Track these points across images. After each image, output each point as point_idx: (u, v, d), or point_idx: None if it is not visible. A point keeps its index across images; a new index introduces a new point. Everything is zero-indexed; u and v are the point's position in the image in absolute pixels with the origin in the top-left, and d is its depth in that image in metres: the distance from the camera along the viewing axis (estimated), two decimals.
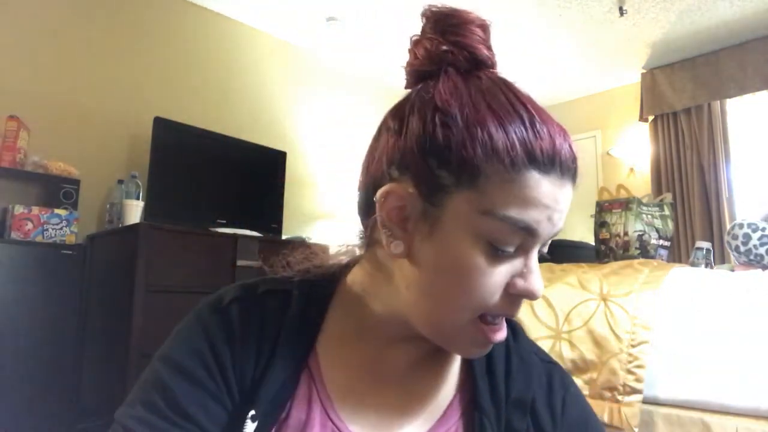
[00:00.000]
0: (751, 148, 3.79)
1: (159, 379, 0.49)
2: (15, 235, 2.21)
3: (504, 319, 0.50)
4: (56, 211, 2.33)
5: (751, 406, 1.24)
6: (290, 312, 0.53)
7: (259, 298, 0.54)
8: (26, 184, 2.45)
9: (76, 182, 2.48)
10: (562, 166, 0.46)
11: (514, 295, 0.47)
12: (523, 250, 0.47)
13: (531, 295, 0.47)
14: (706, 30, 3.59)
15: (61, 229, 2.32)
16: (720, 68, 3.79)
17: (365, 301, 0.54)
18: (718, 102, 3.86)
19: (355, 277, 0.56)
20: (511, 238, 0.45)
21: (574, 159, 0.48)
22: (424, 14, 0.55)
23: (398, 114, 0.50)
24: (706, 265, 2.04)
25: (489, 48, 0.53)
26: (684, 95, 3.94)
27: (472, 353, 0.52)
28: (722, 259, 3.58)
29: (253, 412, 0.49)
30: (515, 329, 0.62)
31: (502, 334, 0.49)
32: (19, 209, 2.24)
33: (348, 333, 0.55)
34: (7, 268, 2.15)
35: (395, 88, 4.39)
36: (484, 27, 0.53)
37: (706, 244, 2.10)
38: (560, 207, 0.47)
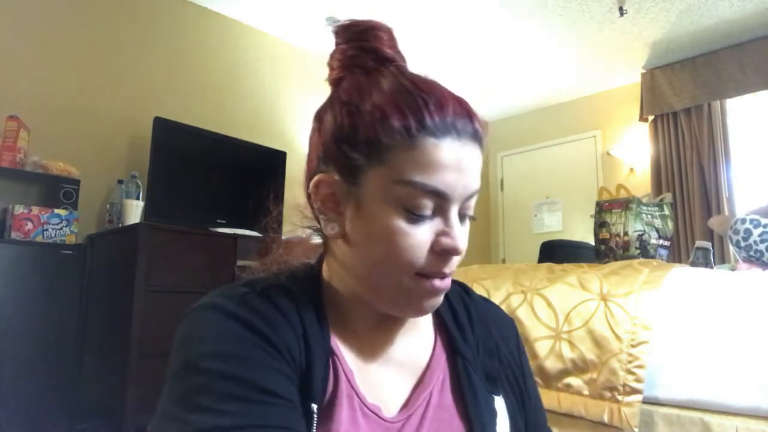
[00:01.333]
0: (751, 148, 3.79)
1: (210, 373, 0.45)
2: (15, 235, 2.21)
3: (445, 273, 0.54)
4: (56, 211, 2.33)
5: (751, 406, 1.24)
6: (300, 304, 0.55)
7: (263, 292, 0.54)
8: (26, 184, 2.45)
9: (76, 182, 2.48)
10: (456, 128, 0.52)
11: (440, 252, 0.52)
12: (441, 211, 0.52)
13: (453, 251, 0.52)
14: (706, 30, 3.59)
15: (61, 229, 2.32)
16: (720, 68, 3.79)
17: (338, 290, 0.59)
18: (718, 102, 3.86)
19: (325, 271, 0.61)
20: (422, 201, 0.51)
21: (470, 120, 0.53)
22: (334, 31, 0.62)
23: (318, 115, 0.59)
24: (706, 265, 2.04)
25: (393, 47, 0.59)
26: (684, 95, 3.94)
27: (425, 307, 0.56)
28: (722, 259, 3.58)
29: (315, 405, 0.50)
30: (465, 287, 0.70)
31: (445, 283, 0.55)
32: (19, 209, 2.24)
33: (342, 321, 0.59)
34: (7, 268, 2.15)
35: None
36: (387, 30, 0.60)
37: (706, 244, 2.10)
38: (465, 166, 0.52)
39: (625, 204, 2.12)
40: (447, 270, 0.54)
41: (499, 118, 5.26)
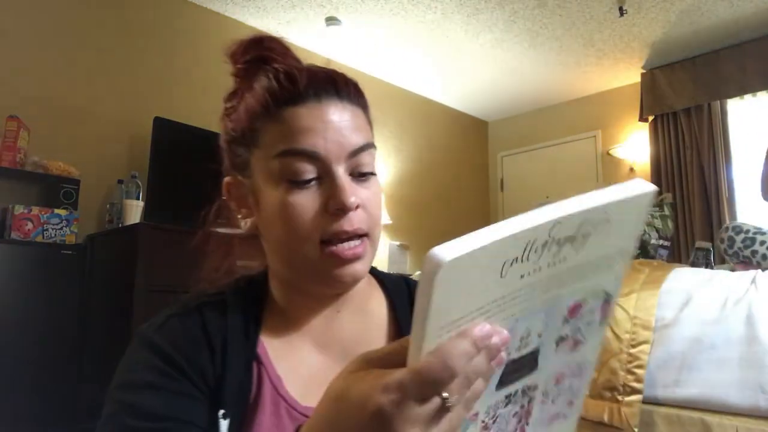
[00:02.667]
0: (751, 148, 3.79)
1: (121, 403, 0.51)
2: (15, 235, 2.21)
3: (355, 240, 0.54)
4: (56, 211, 2.33)
5: (751, 406, 1.24)
6: (230, 315, 0.57)
7: (196, 309, 0.57)
8: (26, 184, 2.45)
9: (76, 182, 2.48)
10: (315, 90, 0.54)
11: (333, 212, 0.53)
12: (325, 173, 0.54)
13: (341, 206, 0.52)
14: (706, 30, 3.59)
15: (61, 229, 2.32)
16: (720, 68, 3.78)
17: (275, 289, 0.61)
18: (718, 102, 3.86)
19: (270, 272, 0.63)
20: (298, 167, 0.53)
21: (330, 82, 0.55)
22: (229, 56, 0.64)
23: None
24: (706, 265, 2.04)
25: (276, 51, 0.60)
26: (684, 95, 3.94)
27: (342, 276, 0.55)
28: (722, 259, 3.58)
29: (222, 411, 0.52)
30: (408, 281, 0.70)
31: (356, 250, 0.54)
32: (19, 209, 2.24)
33: (283, 320, 0.60)
34: (7, 268, 2.15)
35: (395, 88, 4.40)
36: (271, 38, 0.62)
37: (706, 245, 2.10)
38: (332, 125, 0.54)
39: None
40: (348, 227, 0.53)
41: (499, 118, 5.26)
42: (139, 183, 2.69)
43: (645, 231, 2.07)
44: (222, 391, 0.53)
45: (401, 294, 0.67)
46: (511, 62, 4.05)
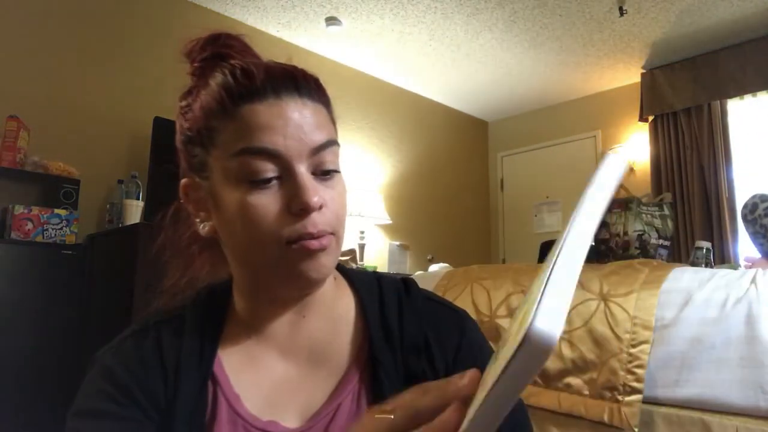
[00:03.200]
0: (751, 149, 3.78)
1: (71, 430, 0.51)
2: (15, 235, 2.21)
3: (319, 234, 0.52)
4: (56, 211, 2.33)
5: (751, 406, 1.24)
6: (186, 333, 0.56)
7: (152, 329, 0.57)
8: (26, 184, 2.45)
9: (76, 182, 2.48)
10: (272, 88, 0.52)
11: (296, 213, 0.51)
12: (286, 172, 0.52)
13: (304, 206, 0.50)
14: (706, 30, 3.59)
15: (61, 229, 2.32)
16: (720, 68, 3.79)
17: (238, 299, 0.59)
18: (718, 102, 3.86)
19: (233, 278, 0.61)
20: (257, 166, 0.51)
21: (289, 78, 0.53)
22: (186, 54, 0.63)
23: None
24: (706, 265, 2.04)
25: (234, 48, 0.59)
26: (684, 95, 3.94)
27: (307, 273, 0.52)
28: (722, 259, 3.58)
29: None
30: (408, 285, 0.65)
31: (321, 242, 0.52)
32: (19, 209, 2.24)
33: (245, 331, 0.58)
34: (7, 268, 2.15)
35: (395, 88, 4.40)
36: (217, 36, 0.60)
37: (706, 244, 2.10)
38: (293, 122, 0.52)
39: (625, 204, 2.12)
40: (312, 229, 0.51)
41: (499, 118, 5.26)
42: (139, 183, 2.69)
43: (645, 231, 2.07)
44: (174, 413, 0.52)
45: (372, 294, 0.62)
46: (511, 62, 4.05)
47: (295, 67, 0.55)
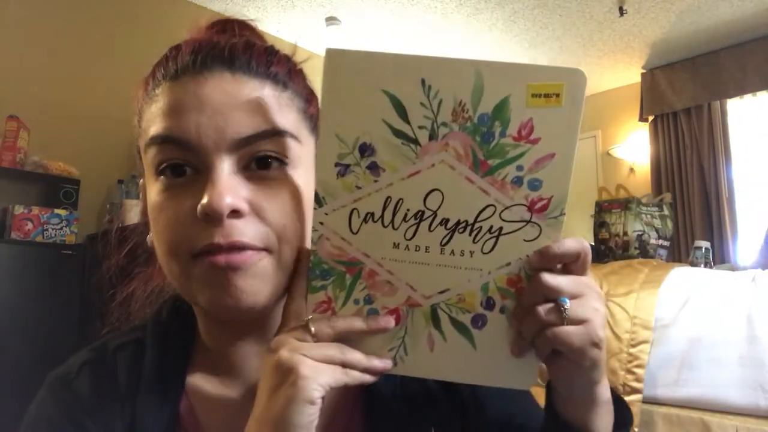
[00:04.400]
0: (751, 148, 3.79)
1: None
2: (15, 235, 2.21)
3: (216, 244, 0.41)
4: (56, 211, 2.33)
5: (751, 405, 1.24)
6: (145, 365, 0.48)
7: (110, 356, 0.49)
8: (26, 184, 2.45)
9: (76, 182, 2.48)
10: (196, 63, 0.42)
11: (202, 217, 0.40)
12: (203, 166, 0.42)
13: (208, 210, 0.39)
14: (706, 30, 3.59)
15: (61, 229, 2.32)
16: (720, 68, 3.78)
17: (198, 314, 0.50)
18: (718, 102, 3.86)
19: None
20: (165, 157, 0.42)
21: (218, 48, 0.43)
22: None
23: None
24: (706, 265, 2.04)
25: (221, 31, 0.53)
26: (684, 95, 3.94)
27: (221, 298, 0.42)
28: (722, 259, 3.58)
29: None
30: None
31: (229, 257, 0.41)
32: (19, 209, 2.24)
33: (212, 362, 0.50)
34: (7, 268, 2.15)
35: None
36: (221, 22, 0.54)
37: (705, 244, 2.10)
38: (212, 104, 0.41)
39: (625, 204, 2.12)
40: (220, 239, 0.40)
41: None
42: (139, 183, 2.69)
43: (644, 231, 2.07)
44: None
45: None
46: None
47: (245, 41, 0.46)
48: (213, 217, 0.40)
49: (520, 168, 0.39)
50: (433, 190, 0.39)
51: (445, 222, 0.40)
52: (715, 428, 1.27)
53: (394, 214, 0.40)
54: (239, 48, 0.44)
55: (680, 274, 1.53)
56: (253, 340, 0.49)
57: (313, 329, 0.39)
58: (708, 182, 3.81)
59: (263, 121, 0.42)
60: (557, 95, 0.37)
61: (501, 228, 0.40)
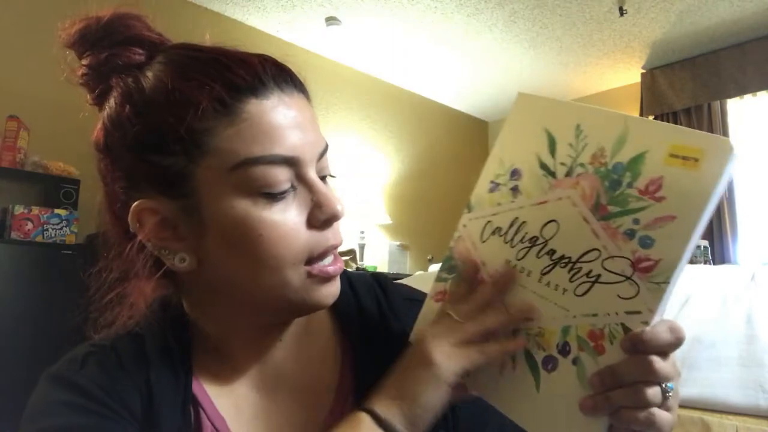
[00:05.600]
0: (751, 149, 3.78)
1: None
2: (15, 235, 2.21)
3: (334, 253, 0.48)
4: (56, 211, 2.33)
5: (751, 405, 1.24)
6: (150, 351, 0.49)
7: (110, 349, 0.50)
8: (26, 184, 2.45)
9: (76, 182, 2.48)
10: (275, 80, 0.44)
11: (320, 225, 0.45)
12: (300, 180, 0.45)
13: (334, 214, 0.45)
14: (706, 30, 3.59)
15: (61, 229, 2.32)
16: (720, 68, 3.78)
17: (208, 326, 0.51)
18: (718, 102, 3.86)
19: (187, 308, 0.52)
20: (275, 177, 0.42)
21: (284, 70, 0.46)
22: (69, 44, 0.53)
23: (99, 144, 0.51)
24: (705, 263, 2.04)
25: (151, 29, 0.50)
26: (684, 95, 3.94)
27: (325, 297, 0.47)
28: (722, 258, 3.58)
29: None
30: (383, 284, 0.59)
31: (337, 265, 0.48)
32: (19, 209, 2.24)
33: (218, 352, 0.52)
34: (7, 268, 2.15)
35: (395, 88, 4.40)
36: (135, 16, 0.50)
37: (702, 242, 2.11)
38: (303, 121, 0.45)
39: None
40: (335, 241, 0.47)
41: (499, 118, 5.25)
42: None
43: None
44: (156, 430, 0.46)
45: (348, 305, 0.56)
46: (511, 62, 4.05)
47: (278, 60, 0.48)
48: (334, 221, 0.46)
49: (636, 221, 0.38)
50: (551, 221, 0.42)
51: (551, 252, 0.42)
52: (715, 428, 1.27)
53: (515, 234, 0.44)
54: (290, 69, 0.47)
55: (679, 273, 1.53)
56: (273, 334, 0.52)
57: (454, 315, 0.44)
58: None
59: (322, 135, 0.49)
60: (696, 159, 0.36)
61: (599, 275, 0.40)
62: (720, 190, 0.36)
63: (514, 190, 0.45)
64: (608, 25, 3.50)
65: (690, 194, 0.36)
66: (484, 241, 0.46)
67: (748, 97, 3.78)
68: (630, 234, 0.38)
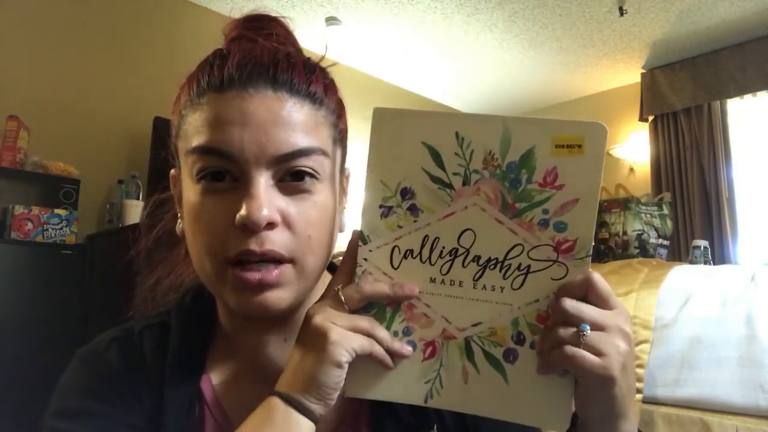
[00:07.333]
0: (751, 148, 3.78)
1: (52, 429, 0.48)
2: (15, 235, 2.21)
3: (266, 263, 0.45)
4: (56, 211, 2.33)
5: (751, 405, 1.24)
6: (170, 344, 0.52)
7: (137, 336, 0.53)
8: (26, 184, 2.45)
9: (76, 182, 2.48)
10: (242, 78, 0.45)
11: (238, 227, 0.43)
12: (242, 177, 0.45)
13: (243, 221, 0.43)
14: (706, 30, 3.59)
15: (61, 229, 2.32)
16: (720, 68, 3.78)
17: (220, 305, 0.54)
18: (718, 102, 3.85)
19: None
20: (208, 166, 0.45)
21: (262, 63, 0.46)
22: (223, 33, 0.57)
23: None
24: (705, 263, 2.05)
25: (251, 28, 0.55)
26: (684, 95, 3.94)
27: (247, 304, 0.46)
28: (722, 259, 3.58)
29: None
30: None
31: (265, 276, 0.45)
32: (19, 209, 2.24)
33: (231, 347, 0.54)
34: (7, 268, 2.15)
35: (395, 88, 4.40)
36: (255, 17, 0.58)
37: (702, 243, 2.11)
38: (255, 120, 0.44)
39: (624, 204, 2.12)
40: (255, 247, 0.43)
41: None
42: (139, 183, 2.69)
43: (644, 230, 2.07)
44: (161, 425, 0.48)
45: None
46: (511, 62, 4.05)
47: (288, 54, 0.49)
48: (248, 227, 0.43)
49: (546, 211, 0.43)
50: (466, 230, 0.43)
51: (477, 259, 0.44)
52: (715, 428, 1.27)
53: (431, 251, 0.44)
54: (282, 65, 0.47)
55: (680, 274, 1.53)
56: (273, 332, 0.53)
57: (342, 296, 0.43)
58: (708, 182, 3.81)
59: (302, 140, 0.46)
60: (579, 146, 0.41)
61: (529, 266, 0.43)
62: (603, 166, 0.41)
63: (413, 209, 0.44)
64: (608, 25, 3.50)
65: (584, 176, 0.41)
66: (396, 268, 0.45)
67: (748, 97, 3.78)
68: (544, 224, 0.43)
